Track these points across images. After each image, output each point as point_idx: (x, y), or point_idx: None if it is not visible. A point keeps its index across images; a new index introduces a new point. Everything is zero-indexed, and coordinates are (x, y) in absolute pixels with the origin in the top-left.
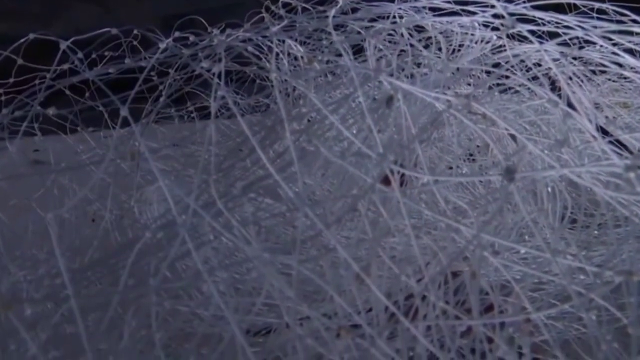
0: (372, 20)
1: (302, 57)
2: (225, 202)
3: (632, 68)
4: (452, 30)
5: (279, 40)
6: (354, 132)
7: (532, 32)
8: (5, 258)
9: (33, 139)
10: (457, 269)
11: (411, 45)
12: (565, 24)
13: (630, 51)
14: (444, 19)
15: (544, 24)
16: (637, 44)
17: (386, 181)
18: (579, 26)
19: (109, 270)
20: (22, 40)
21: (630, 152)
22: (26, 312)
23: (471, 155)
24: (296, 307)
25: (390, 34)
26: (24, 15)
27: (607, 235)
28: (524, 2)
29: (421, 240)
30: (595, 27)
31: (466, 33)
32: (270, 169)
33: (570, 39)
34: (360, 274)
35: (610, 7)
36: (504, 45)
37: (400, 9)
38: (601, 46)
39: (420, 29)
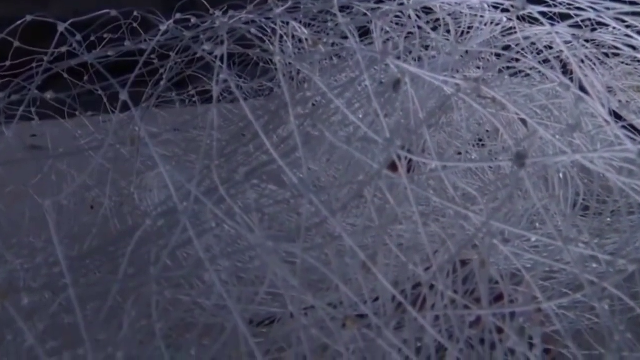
0: (379, 1)
1: (306, 40)
2: (227, 189)
3: None
4: (461, 12)
5: (282, 22)
6: (360, 116)
7: (543, 13)
8: (2, 246)
9: (30, 123)
10: (466, 257)
11: (419, 27)
12: (578, 5)
13: None
14: (453, 0)
15: (555, 6)
16: None
17: (393, 167)
18: (592, 8)
19: (108, 258)
20: (19, 22)
21: None
22: (23, 301)
23: (480, 140)
24: (300, 297)
25: (397, 16)
26: None
27: (620, 222)
28: None
29: (429, 227)
30: (608, 8)
31: (475, 15)
32: (274, 154)
33: (582, 21)
34: (366, 262)
35: None
36: (515, 28)
37: None
38: (614, 28)
39: (428, 10)
